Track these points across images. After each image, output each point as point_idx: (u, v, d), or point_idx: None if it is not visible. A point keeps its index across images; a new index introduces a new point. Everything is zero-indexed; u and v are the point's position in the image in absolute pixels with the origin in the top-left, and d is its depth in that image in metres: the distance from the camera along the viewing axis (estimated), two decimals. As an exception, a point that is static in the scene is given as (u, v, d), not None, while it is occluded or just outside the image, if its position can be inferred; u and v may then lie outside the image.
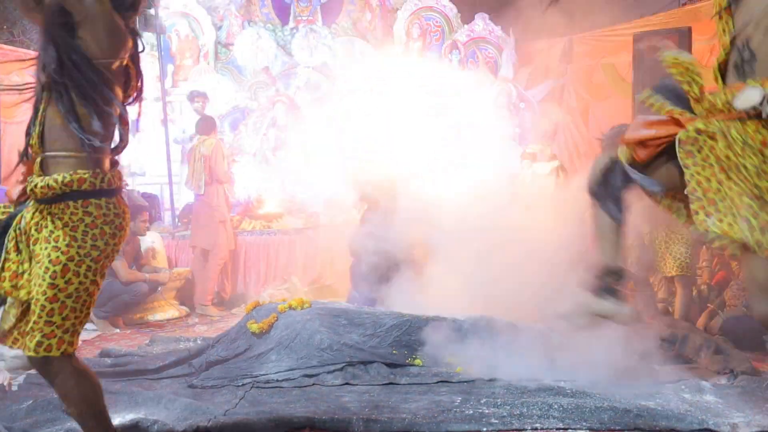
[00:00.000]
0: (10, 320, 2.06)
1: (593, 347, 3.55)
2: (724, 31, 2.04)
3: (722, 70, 2.06)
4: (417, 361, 3.66)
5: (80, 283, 1.99)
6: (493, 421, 2.84)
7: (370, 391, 3.30)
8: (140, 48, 2.20)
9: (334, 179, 6.29)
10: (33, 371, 2.27)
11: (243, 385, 3.46)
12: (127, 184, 6.77)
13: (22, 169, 2.16)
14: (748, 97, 1.91)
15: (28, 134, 2.09)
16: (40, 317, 1.97)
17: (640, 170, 2.20)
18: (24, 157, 2.12)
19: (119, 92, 2.12)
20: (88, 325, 5.39)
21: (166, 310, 5.83)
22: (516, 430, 2.79)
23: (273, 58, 8.77)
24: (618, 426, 2.76)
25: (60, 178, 1.99)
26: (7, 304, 2.08)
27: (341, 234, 5.54)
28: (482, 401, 3.09)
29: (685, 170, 2.05)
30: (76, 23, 1.99)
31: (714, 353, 3.70)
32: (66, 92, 1.99)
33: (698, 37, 5.88)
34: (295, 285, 6.36)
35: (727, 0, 2.00)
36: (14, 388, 3.29)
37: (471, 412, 2.95)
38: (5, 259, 2.05)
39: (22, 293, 2.02)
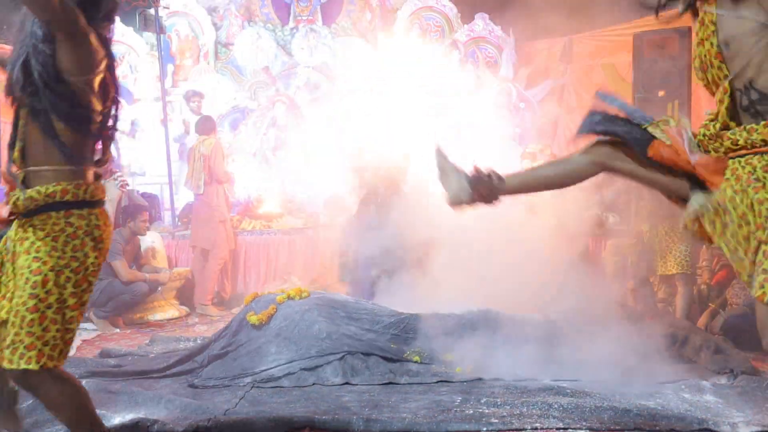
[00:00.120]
0: None
1: (594, 344, 3.56)
2: (719, 78, 2.03)
3: (731, 117, 2.05)
4: (415, 358, 3.66)
5: (60, 293, 1.97)
6: (493, 420, 2.84)
7: (370, 391, 3.30)
8: (115, 57, 2.19)
9: (334, 179, 6.29)
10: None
11: (244, 385, 3.46)
12: (127, 184, 6.71)
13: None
14: None
15: (11, 148, 2.08)
16: (21, 328, 1.94)
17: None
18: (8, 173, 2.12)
19: (98, 105, 2.11)
20: (88, 325, 5.40)
21: (166, 310, 5.83)
22: (516, 429, 2.78)
23: (273, 57, 8.78)
24: (618, 426, 2.76)
25: (43, 189, 1.99)
26: None
27: (341, 233, 5.50)
28: (482, 401, 3.09)
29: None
30: (55, 42, 1.97)
31: (714, 353, 3.70)
32: (41, 110, 1.99)
33: (698, 37, 5.87)
34: (295, 284, 6.35)
35: (716, 47, 1.99)
36: (14, 388, 3.29)
37: (471, 411, 2.95)
38: None
39: (2, 313, 1.99)
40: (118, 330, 5.33)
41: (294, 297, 3.93)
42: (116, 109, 2.23)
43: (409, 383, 3.42)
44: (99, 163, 2.19)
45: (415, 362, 3.64)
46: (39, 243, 1.98)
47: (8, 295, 2.01)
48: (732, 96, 2.01)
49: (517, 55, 8.86)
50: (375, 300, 4.40)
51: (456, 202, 2.34)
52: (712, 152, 2.08)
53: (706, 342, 3.84)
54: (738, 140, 2.01)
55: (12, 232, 2.06)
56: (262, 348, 3.69)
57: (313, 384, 3.44)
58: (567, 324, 3.72)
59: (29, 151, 2.04)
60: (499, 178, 2.31)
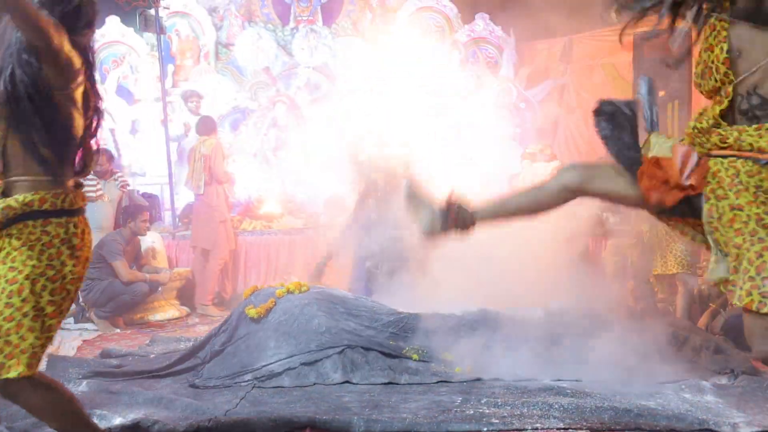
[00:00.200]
0: None
1: (594, 344, 3.56)
2: (722, 83, 2.02)
3: (723, 116, 2.05)
4: (414, 356, 3.65)
5: (36, 302, 1.97)
6: (494, 421, 2.84)
7: (370, 391, 3.30)
8: (94, 67, 2.19)
9: (335, 179, 6.29)
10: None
11: (245, 384, 3.46)
12: (128, 185, 6.73)
13: None
14: None
15: None
16: None
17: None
18: None
19: (79, 117, 2.12)
20: (88, 325, 5.41)
21: (167, 310, 5.83)
22: (516, 430, 2.78)
23: (273, 58, 8.78)
24: (618, 426, 2.76)
25: (21, 198, 1.99)
26: None
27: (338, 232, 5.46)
28: (483, 401, 3.09)
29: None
30: (36, 55, 1.98)
31: (714, 353, 3.69)
32: (22, 122, 1.99)
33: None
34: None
35: (725, 53, 1.98)
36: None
37: (471, 412, 2.95)
38: None
39: None
40: (118, 330, 5.34)
41: (293, 291, 3.93)
42: (98, 120, 2.23)
43: (408, 383, 3.42)
44: (80, 172, 2.19)
45: (414, 360, 3.64)
46: (15, 253, 1.98)
47: None
48: (731, 100, 2.02)
49: (517, 55, 8.86)
50: (373, 297, 4.40)
51: (430, 233, 2.33)
52: (697, 147, 2.09)
53: (706, 342, 3.84)
54: (728, 138, 2.02)
55: None
56: (261, 342, 3.69)
57: (314, 384, 3.44)
58: (567, 324, 3.72)
59: (10, 162, 2.04)
60: (470, 210, 2.31)
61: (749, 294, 1.89)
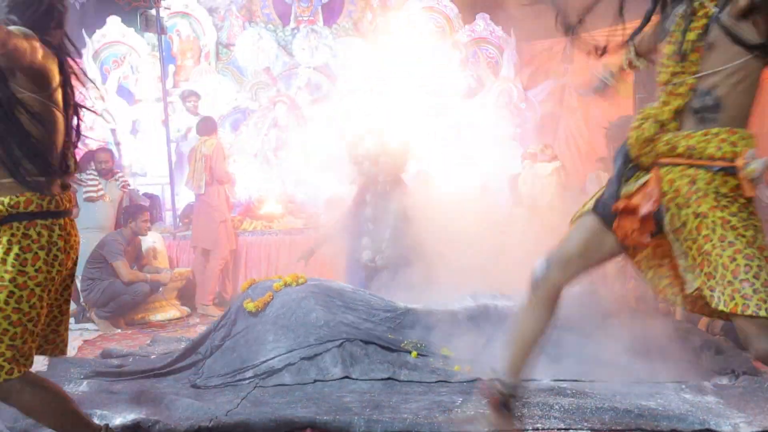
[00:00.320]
0: None
1: (594, 344, 3.56)
2: (685, 71, 2.01)
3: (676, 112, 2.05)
4: (413, 354, 3.64)
5: (0, 309, 1.97)
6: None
7: (371, 391, 3.30)
8: (69, 66, 2.19)
9: (335, 179, 6.29)
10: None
11: (247, 382, 3.45)
12: (129, 185, 6.72)
13: None
14: (756, 168, 1.92)
15: None
16: None
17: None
18: None
19: (60, 115, 2.13)
20: (89, 325, 5.42)
21: (168, 311, 5.83)
22: (517, 430, 2.78)
23: (274, 58, 8.78)
24: (619, 426, 2.76)
25: (6, 200, 2.00)
26: None
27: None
28: (483, 401, 3.08)
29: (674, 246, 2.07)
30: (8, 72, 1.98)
31: (715, 354, 3.69)
32: (3, 129, 1.99)
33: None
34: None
35: (700, 39, 1.97)
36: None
37: (472, 412, 2.95)
38: None
39: None
40: (119, 330, 5.34)
41: (291, 283, 3.92)
42: (77, 118, 2.24)
43: (408, 381, 3.41)
44: (66, 172, 2.20)
45: (413, 356, 3.63)
46: None
47: None
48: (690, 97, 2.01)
49: (518, 56, 8.86)
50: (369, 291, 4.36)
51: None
52: (642, 158, 2.09)
53: (707, 342, 3.83)
54: (677, 146, 2.02)
55: None
56: (260, 336, 3.69)
57: (315, 381, 3.43)
58: (567, 324, 3.71)
59: None
60: (504, 383, 2.35)
61: (732, 298, 1.91)
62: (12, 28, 1.94)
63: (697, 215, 1.98)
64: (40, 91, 2.04)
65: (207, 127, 6.38)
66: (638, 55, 2.42)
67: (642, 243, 2.12)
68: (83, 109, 2.28)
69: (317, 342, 3.59)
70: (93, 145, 6.87)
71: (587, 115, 8.35)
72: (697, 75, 1.99)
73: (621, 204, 2.13)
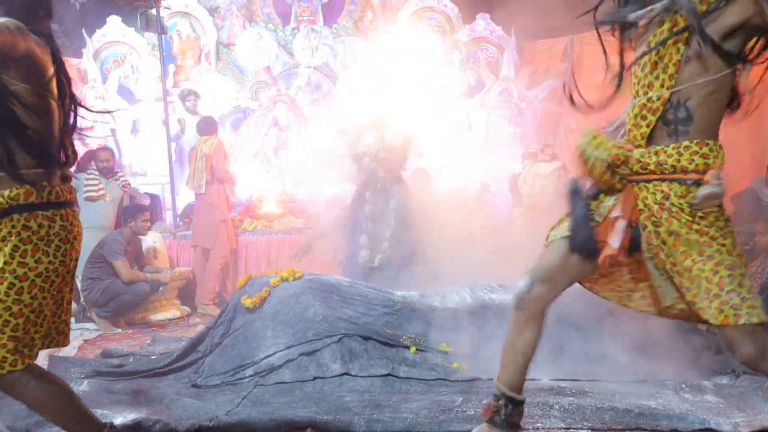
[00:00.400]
0: None
1: (594, 344, 3.56)
2: (660, 84, 2.02)
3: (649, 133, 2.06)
4: (412, 349, 3.64)
5: (0, 301, 1.97)
6: (495, 420, 2.83)
7: (371, 391, 3.30)
8: (60, 54, 2.18)
9: (335, 179, 6.29)
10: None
11: (247, 380, 3.45)
12: (129, 184, 6.71)
13: None
14: (710, 196, 1.95)
15: None
16: None
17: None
18: None
19: (57, 106, 2.12)
20: (89, 325, 5.42)
21: (168, 310, 5.84)
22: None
23: (274, 58, 8.79)
24: (619, 426, 2.76)
25: (6, 193, 2.00)
26: None
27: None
28: (483, 401, 3.07)
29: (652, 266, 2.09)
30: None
31: (715, 354, 3.69)
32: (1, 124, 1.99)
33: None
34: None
35: (680, 55, 1.97)
36: None
37: (472, 412, 2.95)
38: None
39: None
40: (119, 330, 5.35)
41: (287, 278, 3.91)
42: (74, 107, 2.23)
43: (407, 377, 3.41)
44: (66, 164, 2.20)
45: (412, 351, 3.63)
46: None
47: None
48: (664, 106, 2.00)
49: (518, 55, 8.86)
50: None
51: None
52: (618, 178, 2.09)
53: (707, 342, 3.83)
54: (648, 164, 2.02)
55: None
56: (258, 332, 3.68)
57: (315, 378, 3.42)
58: (567, 323, 3.72)
59: None
60: (511, 400, 2.39)
61: (720, 311, 1.92)
62: (0, 20, 1.94)
63: (670, 233, 1.99)
64: (33, 82, 2.03)
65: (207, 127, 6.38)
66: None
67: (618, 260, 2.13)
68: (77, 101, 2.26)
69: (316, 337, 3.58)
70: (93, 145, 6.88)
71: (588, 115, 8.34)
72: (675, 89, 1.98)
73: (602, 226, 2.14)
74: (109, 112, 2.12)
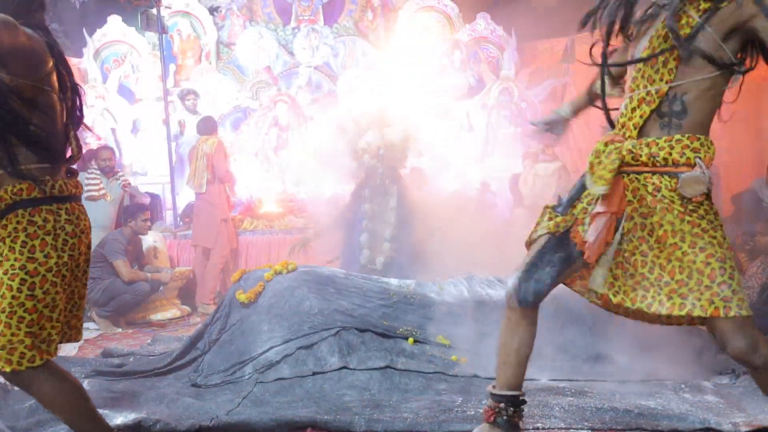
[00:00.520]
0: None
1: (594, 344, 3.56)
2: (658, 79, 2.02)
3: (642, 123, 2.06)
4: (410, 340, 3.63)
5: (13, 297, 1.97)
6: (495, 420, 2.83)
7: (371, 389, 3.29)
8: (57, 45, 2.15)
9: (336, 178, 6.29)
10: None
11: (247, 378, 3.45)
12: (129, 184, 6.70)
13: None
14: (692, 179, 1.95)
15: None
16: None
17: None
18: None
19: (58, 99, 2.11)
20: (90, 325, 5.42)
21: (168, 310, 5.84)
22: None
23: (274, 57, 8.79)
24: (619, 426, 2.76)
25: (10, 188, 1.99)
26: None
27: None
28: (483, 401, 3.07)
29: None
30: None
31: (715, 353, 3.69)
32: (3, 123, 1.98)
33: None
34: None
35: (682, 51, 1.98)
36: (16, 387, 3.29)
37: (472, 412, 2.95)
38: None
39: None
40: (120, 329, 5.35)
41: (281, 271, 3.90)
42: (78, 99, 2.22)
43: (405, 369, 3.40)
44: (70, 160, 2.19)
45: (410, 342, 3.61)
46: (0, 245, 1.99)
47: None
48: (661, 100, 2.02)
49: (518, 55, 8.86)
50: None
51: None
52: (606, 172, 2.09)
53: (707, 342, 3.83)
54: (640, 155, 2.02)
55: None
56: (255, 327, 3.68)
57: (314, 373, 3.40)
58: (567, 323, 3.72)
59: None
60: (512, 401, 2.39)
61: (711, 303, 1.93)
62: None
63: (662, 224, 1.99)
64: (31, 75, 2.01)
65: (207, 127, 6.39)
66: (613, 79, 2.40)
67: (598, 250, 2.13)
68: (79, 92, 2.24)
69: (312, 330, 3.56)
70: (94, 144, 6.87)
71: (588, 115, 8.34)
72: (675, 84, 1.99)
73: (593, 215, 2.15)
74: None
